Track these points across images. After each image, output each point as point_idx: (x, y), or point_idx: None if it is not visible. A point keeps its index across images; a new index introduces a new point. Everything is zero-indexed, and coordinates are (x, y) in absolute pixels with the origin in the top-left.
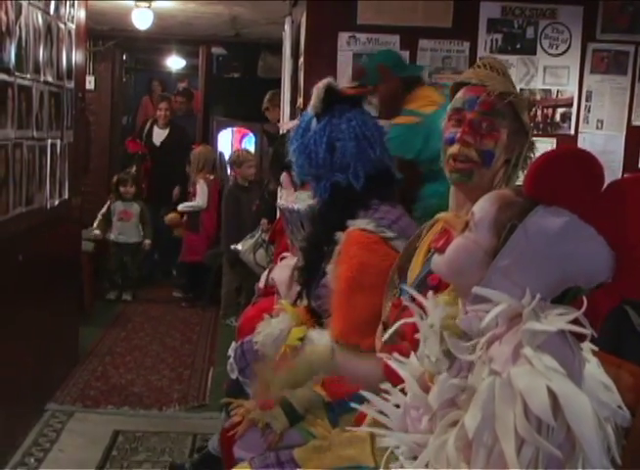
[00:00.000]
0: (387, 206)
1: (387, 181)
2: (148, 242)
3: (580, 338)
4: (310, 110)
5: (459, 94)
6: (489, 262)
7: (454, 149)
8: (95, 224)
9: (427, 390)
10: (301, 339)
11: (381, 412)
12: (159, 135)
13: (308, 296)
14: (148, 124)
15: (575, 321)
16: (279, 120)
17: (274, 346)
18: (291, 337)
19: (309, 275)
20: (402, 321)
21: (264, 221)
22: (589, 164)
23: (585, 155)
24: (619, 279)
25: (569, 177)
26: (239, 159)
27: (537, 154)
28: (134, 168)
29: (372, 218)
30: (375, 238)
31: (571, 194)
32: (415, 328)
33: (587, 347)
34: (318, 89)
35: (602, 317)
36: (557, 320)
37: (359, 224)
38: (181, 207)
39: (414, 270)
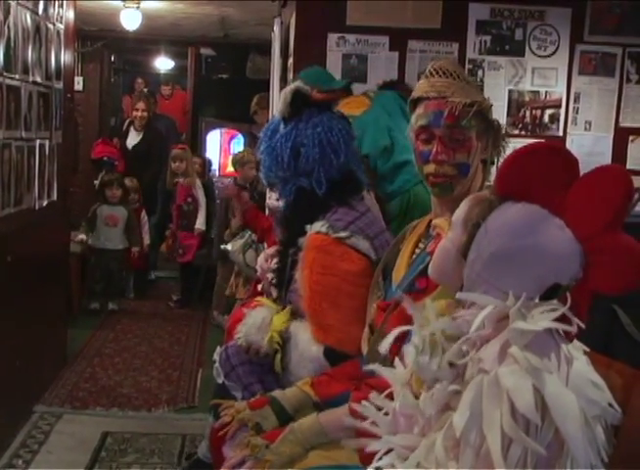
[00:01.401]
0: (345, 208)
1: (351, 185)
2: (136, 249)
3: (568, 335)
4: (277, 113)
5: (420, 110)
6: (462, 261)
7: (430, 168)
8: (80, 229)
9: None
10: (285, 322)
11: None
12: (133, 138)
13: (282, 300)
14: (125, 125)
15: (564, 318)
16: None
17: (260, 333)
18: (275, 323)
19: (281, 278)
20: (398, 330)
21: None
22: (558, 159)
23: (556, 149)
24: (589, 273)
25: (536, 173)
26: (242, 159)
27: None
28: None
29: (327, 220)
30: (329, 240)
31: (539, 189)
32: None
33: (578, 346)
34: (285, 93)
35: (583, 316)
36: (542, 319)
37: (315, 228)
38: (201, 224)
39: (399, 271)
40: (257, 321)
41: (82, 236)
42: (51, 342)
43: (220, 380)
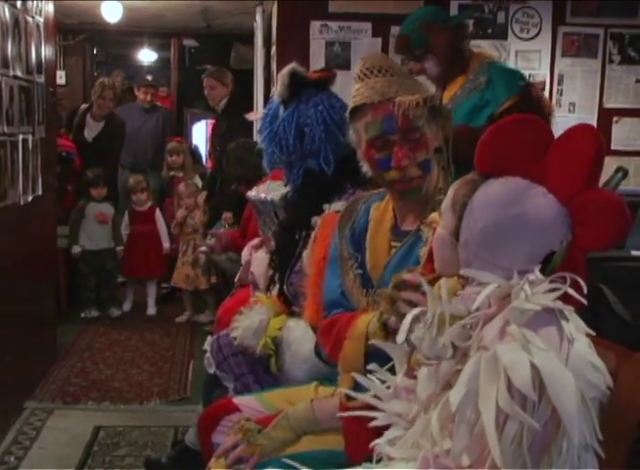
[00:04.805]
0: (360, 189)
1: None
2: (120, 249)
3: (573, 302)
4: (276, 96)
5: (368, 118)
6: (457, 245)
7: (394, 175)
8: (68, 236)
9: (412, 376)
10: (281, 328)
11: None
12: (92, 129)
13: (281, 280)
14: (80, 113)
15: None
16: (215, 100)
17: (255, 337)
18: (271, 327)
19: (282, 260)
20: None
21: (228, 215)
22: (531, 129)
23: (528, 120)
24: (577, 233)
25: (512, 146)
26: None
27: None
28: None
29: (346, 201)
30: None
31: (517, 161)
32: None
33: (581, 327)
34: (282, 75)
35: (582, 275)
36: (543, 298)
37: (334, 207)
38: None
39: (376, 252)
40: (254, 324)
41: (77, 250)
42: (40, 337)
43: (212, 370)
